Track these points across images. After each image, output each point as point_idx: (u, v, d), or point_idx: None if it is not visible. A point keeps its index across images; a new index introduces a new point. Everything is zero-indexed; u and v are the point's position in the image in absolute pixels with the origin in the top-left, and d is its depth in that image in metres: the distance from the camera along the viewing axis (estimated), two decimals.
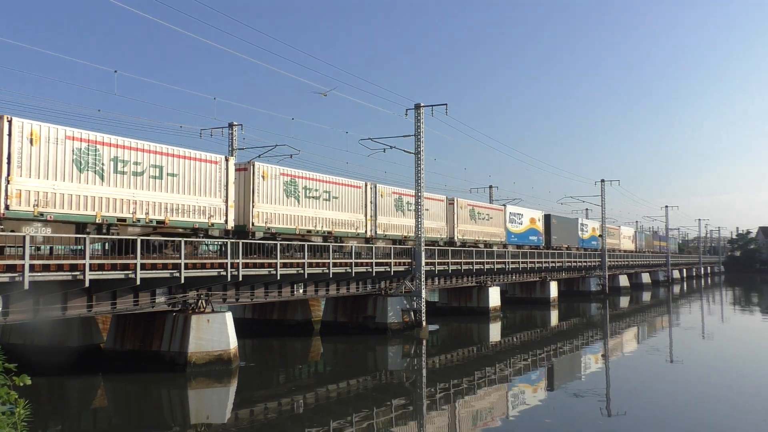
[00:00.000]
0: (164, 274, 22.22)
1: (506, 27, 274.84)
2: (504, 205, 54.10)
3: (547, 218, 62.46)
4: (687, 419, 17.73)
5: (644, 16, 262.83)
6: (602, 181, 68.83)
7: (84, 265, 19.33)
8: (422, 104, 34.93)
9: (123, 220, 22.88)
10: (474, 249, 44.51)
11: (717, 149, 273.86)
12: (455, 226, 45.18)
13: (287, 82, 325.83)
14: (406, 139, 35.58)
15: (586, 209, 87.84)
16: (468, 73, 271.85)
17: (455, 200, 45.45)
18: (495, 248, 47.86)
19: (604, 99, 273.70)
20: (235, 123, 38.02)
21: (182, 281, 22.59)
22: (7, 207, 19.52)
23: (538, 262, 53.50)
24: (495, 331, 40.12)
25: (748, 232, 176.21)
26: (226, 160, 27.52)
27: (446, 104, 34.30)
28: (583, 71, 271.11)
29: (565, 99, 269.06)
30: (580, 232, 71.17)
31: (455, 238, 44.89)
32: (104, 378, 23.54)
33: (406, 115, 35.22)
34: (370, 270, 32.89)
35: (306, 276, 28.33)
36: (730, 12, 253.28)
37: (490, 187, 66.64)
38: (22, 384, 5.49)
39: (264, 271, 26.42)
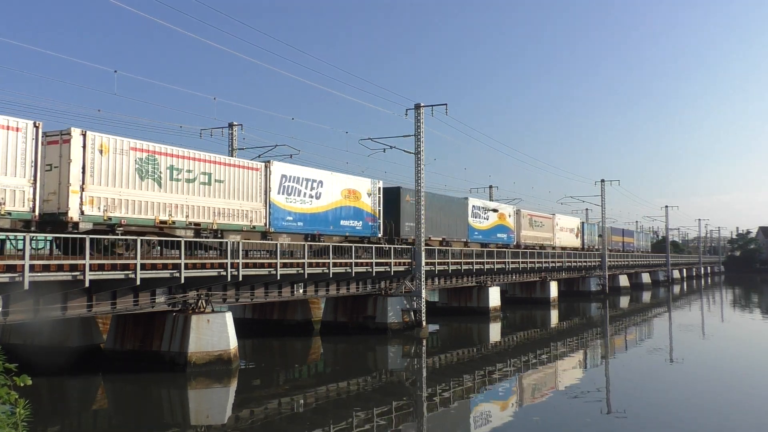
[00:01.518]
0: (164, 274, 22.23)
1: (506, 27, 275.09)
2: (266, 162, 29.14)
3: (392, 194, 38.02)
4: (687, 419, 17.73)
5: (644, 16, 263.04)
6: (602, 181, 68.87)
7: (84, 265, 19.33)
8: (422, 104, 34.96)
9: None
10: (474, 249, 44.44)
11: (717, 149, 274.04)
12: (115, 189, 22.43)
13: (287, 82, 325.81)
14: (406, 139, 35.61)
15: (587, 209, 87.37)
16: (468, 73, 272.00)
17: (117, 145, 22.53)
18: (238, 239, 26.17)
19: (604, 99, 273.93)
20: (235, 123, 38.05)
21: (182, 281, 22.60)
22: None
23: (538, 262, 53.51)
24: (495, 331, 40.13)
25: (748, 232, 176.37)
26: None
27: (446, 104, 34.30)
28: (583, 71, 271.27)
29: (565, 99, 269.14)
30: (472, 220, 47.39)
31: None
32: (104, 378, 23.55)
33: (406, 115, 35.26)
34: (370, 270, 32.90)
35: (306, 276, 28.34)
36: (730, 12, 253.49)
37: (490, 187, 66.64)
38: (22, 384, 5.49)
39: (264, 271, 26.42)
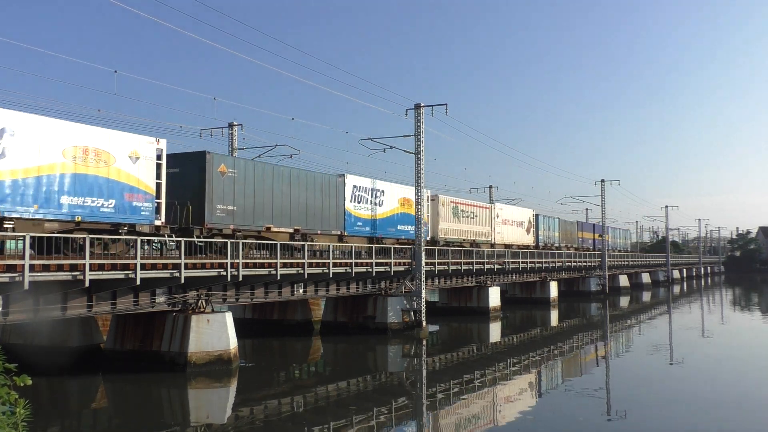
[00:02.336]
0: (164, 274, 22.23)
1: (506, 27, 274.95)
2: None
3: (193, 163, 26.51)
4: (687, 419, 17.72)
5: (644, 17, 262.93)
6: (602, 181, 68.89)
7: (84, 265, 19.33)
8: (422, 104, 34.96)
9: None
10: (474, 249, 44.47)
11: (717, 149, 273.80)
12: None
13: (287, 82, 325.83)
14: (406, 139, 35.60)
15: (587, 209, 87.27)
16: (468, 73, 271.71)
17: None
18: None
19: (604, 99, 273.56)
20: (235, 123, 38.06)
21: (182, 281, 22.60)
22: None
23: (538, 262, 53.51)
24: (495, 331, 40.14)
25: (748, 232, 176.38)
26: None
27: (446, 104, 34.29)
28: (584, 71, 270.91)
29: (565, 99, 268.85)
30: (352, 205, 34.92)
31: None
32: (104, 378, 23.55)
33: (406, 115, 35.25)
34: (370, 270, 32.92)
35: (306, 276, 28.35)
36: (730, 12, 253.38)
37: (490, 187, 66.65)
38: (22, 384, 5.50)
39: (264, 271, 26.44)
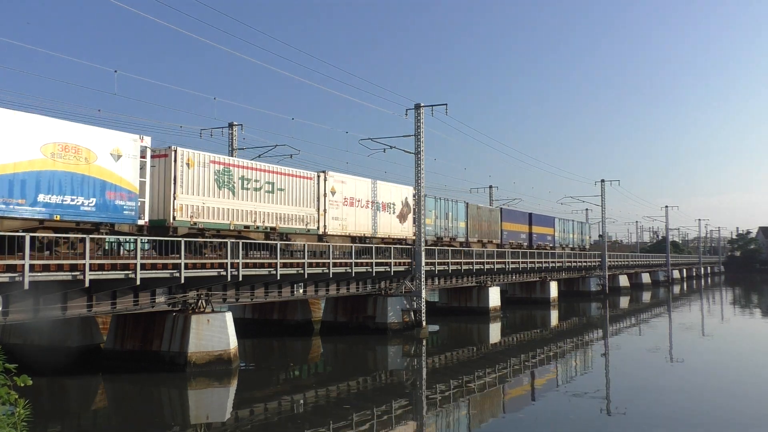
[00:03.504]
0: (164, 274, 22.22)
1: (507, 27, 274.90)
2: None
3: None
4: (687, 419, 17.72)
5: (643, 16, 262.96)
6: (602, 181, 68.93)
7: (84, 265, 19.32)
8: (422, 104, 34.96)
9: None
10: (474, 249, 44.46)
11: (717, 149, 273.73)
12: None
13: (287, 82, 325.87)
14: (406, 139, 35.59)
15: (587, 209, 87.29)
16: (468, 73, 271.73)
17: None
18: None
19: (605, 99, 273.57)
20: (235, 123, 38.05)
21: (182, 281, 22.59)
22: None
23: (538, 262, 53.52)
24: (495, 331, 40.14)
25: (748, 232, 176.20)
26: None
27: (446, 104, 34.28)
28: (584, 71, 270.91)
29: (566, 99, 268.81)
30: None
31: None
32: (104, 378, 23.55)
33: (406, 115, 35.26)
34: (370, 270, 32.90)
35: (306, 276, 28.35)
36: (729, 10, 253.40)
37: (490, 187, 66.70)
38: (22, 384, 5.50)
39: (264, 271, 26.43)
